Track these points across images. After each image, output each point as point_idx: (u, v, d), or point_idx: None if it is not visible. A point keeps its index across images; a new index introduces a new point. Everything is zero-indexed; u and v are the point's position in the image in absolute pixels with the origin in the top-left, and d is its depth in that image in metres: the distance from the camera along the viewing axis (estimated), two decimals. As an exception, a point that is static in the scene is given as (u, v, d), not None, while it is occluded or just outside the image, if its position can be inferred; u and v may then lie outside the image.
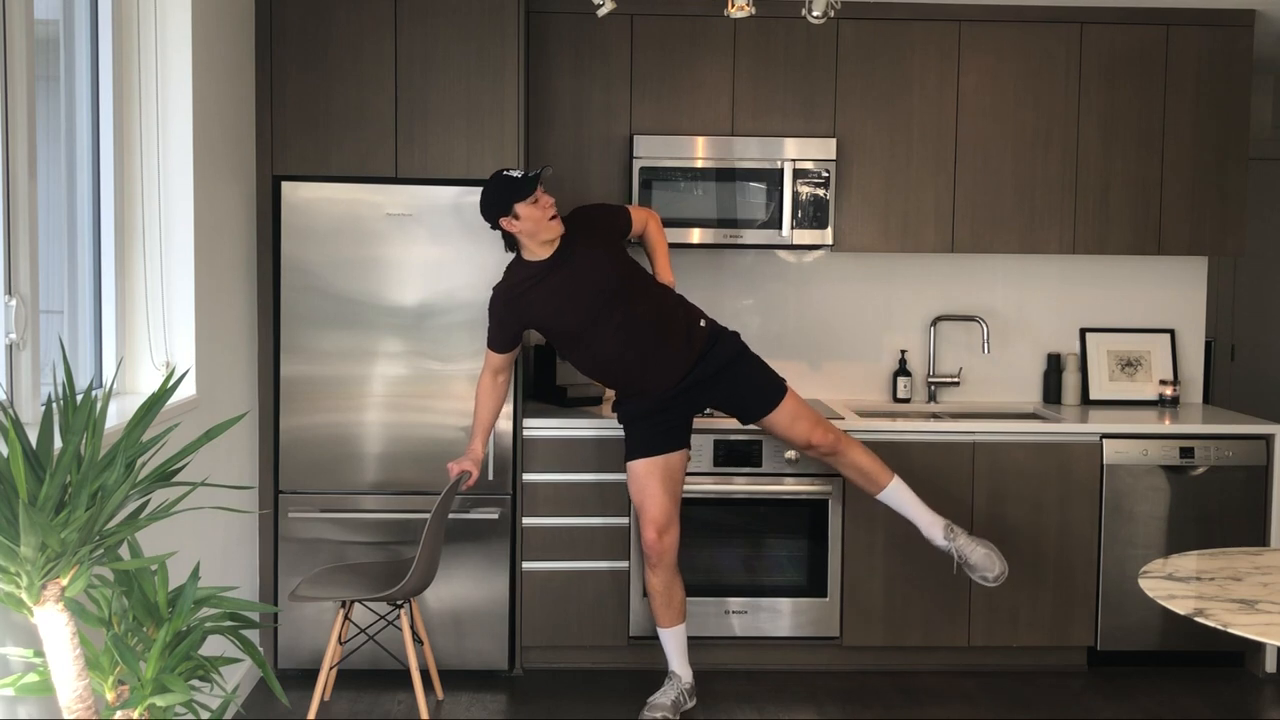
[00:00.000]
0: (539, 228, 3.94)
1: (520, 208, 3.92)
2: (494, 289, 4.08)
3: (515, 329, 4.08)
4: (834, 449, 4.19)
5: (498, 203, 3.95)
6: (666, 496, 4.10)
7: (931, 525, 4.20)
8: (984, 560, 4.15)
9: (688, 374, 4.09)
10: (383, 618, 4.15)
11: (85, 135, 3.50)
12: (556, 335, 4.14)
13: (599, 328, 4.01)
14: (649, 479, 4.10)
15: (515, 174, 3.96)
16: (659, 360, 4.06)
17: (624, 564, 4.51)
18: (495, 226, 4.00)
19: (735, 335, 4.24)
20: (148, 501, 2.57)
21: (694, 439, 4.33)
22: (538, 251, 4.00)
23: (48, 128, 3.26)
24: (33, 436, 2.36)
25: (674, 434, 4.13)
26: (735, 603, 4.57)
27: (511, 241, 4.04)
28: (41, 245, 2.98)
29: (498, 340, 4.09)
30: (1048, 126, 4.84)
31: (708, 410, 4.46)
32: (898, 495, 4.21)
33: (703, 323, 4.17)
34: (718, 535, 4.59)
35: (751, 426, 4.43)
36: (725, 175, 4.70)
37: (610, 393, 4.86)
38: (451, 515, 4.33)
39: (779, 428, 4.21)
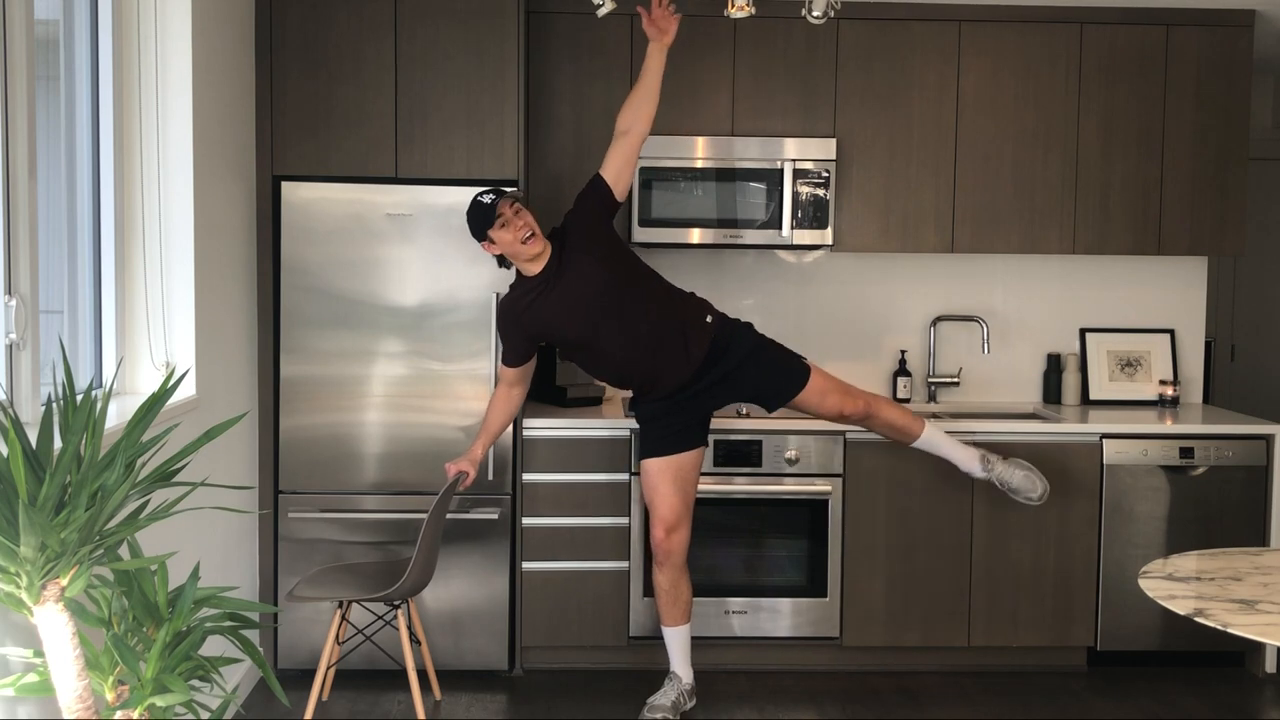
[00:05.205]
0: (513, 251, 3.92)
1: (492, 233, 3.91)
2: (498, 304, 4.07)
3: (521, 343, 4.05)
4: (867, 412, 4.19)
5: (474, 229, 3.96)
6: (677, 496, 4.09)
7: (969, 459, 4.27)
8: (1025, 481, 4.24)
9: (701, 370, 4.04)
10: (380, 618, 4.15)
11: (85, 135, 3.50)
12: (564, 345, 4.14)
13: (602, 334, 3.99)
14: (660, 478, 4.09)
15: (486, 199, 3.92)
16: (666, 357, 4.02)
17: (624, 564, 4.51)
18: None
19: (748, 326, 4.19)
20: (147, 501, 2.57)
21: (694, 439, 4.34)
22: (529, 268, 3.97)
23: (48, 128, 3.26)
24: (33, 436, 2.36)
25: (688, 434, 4.11)
26: (735, 603, 4.57)
27: (505, 259, 4.03)
28: (41, 245, 2.98)
29: (507, 354, 4.08)
30: (1048, 126, 4.84)
31: (744, 411, 4.51)
32: (933, 440, 4.26)
33: (709, 318, 4.10)
34: (718, 535, 4.59)
35: (751, 425, 4.44)
36: (725, 175, 4.70)
37: (610, 392, 4.89)
38: (451, 515, 4.33)
39: (809, 405, 4.18)
